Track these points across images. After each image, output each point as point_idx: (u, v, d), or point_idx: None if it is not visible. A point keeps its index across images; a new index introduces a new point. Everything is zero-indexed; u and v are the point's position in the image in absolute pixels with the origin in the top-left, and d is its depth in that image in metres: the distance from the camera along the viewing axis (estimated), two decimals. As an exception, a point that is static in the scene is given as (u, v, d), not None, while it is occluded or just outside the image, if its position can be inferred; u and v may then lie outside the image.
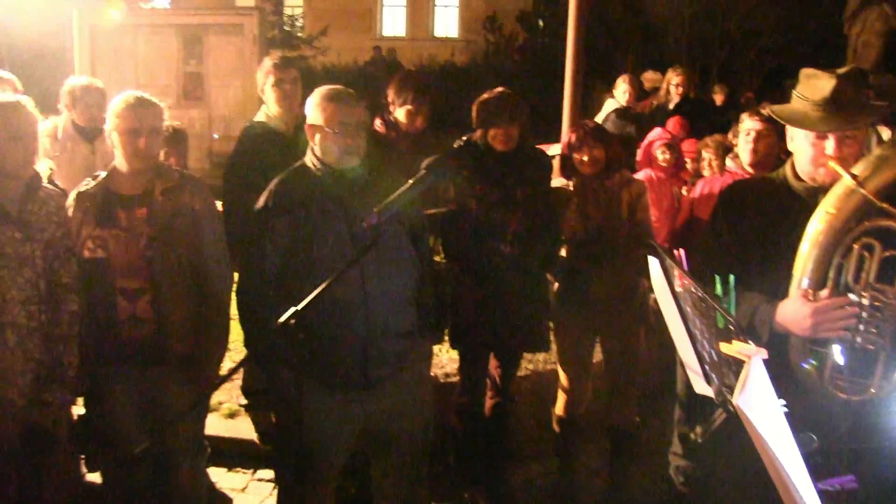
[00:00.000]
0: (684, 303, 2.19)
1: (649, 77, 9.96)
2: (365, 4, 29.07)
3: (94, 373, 3.47)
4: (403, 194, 2.87)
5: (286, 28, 23.20)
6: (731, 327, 1.89)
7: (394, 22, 30.11)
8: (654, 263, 2.34)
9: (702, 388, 2.33)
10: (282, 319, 2.44)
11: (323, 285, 2.54)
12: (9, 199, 3.16)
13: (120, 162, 3.50)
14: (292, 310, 2.45)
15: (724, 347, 1.88)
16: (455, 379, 5.15)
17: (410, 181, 2.90)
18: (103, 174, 3.53)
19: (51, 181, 3.69)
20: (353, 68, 21.71)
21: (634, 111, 8.28)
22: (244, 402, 5.19)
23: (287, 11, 24.96)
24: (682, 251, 2.40)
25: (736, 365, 1.85)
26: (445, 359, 6.07)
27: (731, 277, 2.43)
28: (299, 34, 23.89)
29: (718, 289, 2.39)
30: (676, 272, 2.19)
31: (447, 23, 29.84)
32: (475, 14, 26.61)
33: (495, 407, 4.70)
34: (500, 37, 23.69)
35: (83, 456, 4.12)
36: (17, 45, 10.37)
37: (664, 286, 2.25)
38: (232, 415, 5.32)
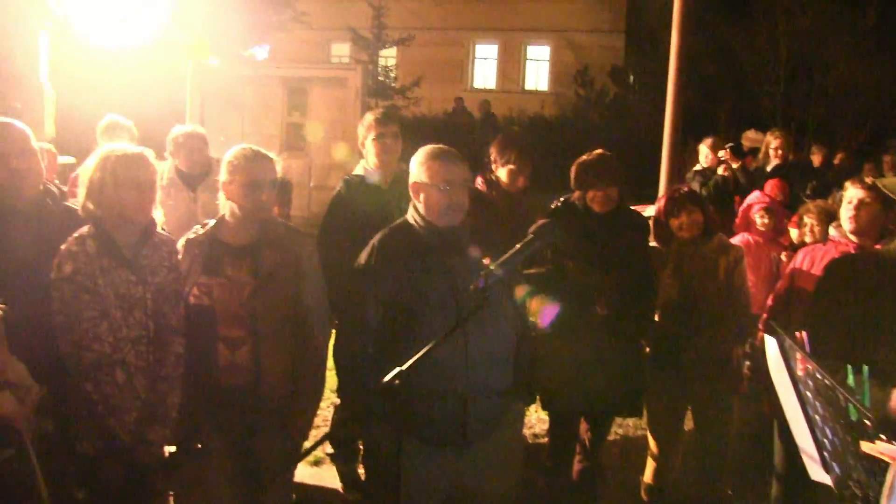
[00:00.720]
0: (804, 387, 2.10)
1: (751, 137, 9.81)
2: (457, 57, 29.57)
3: (191, 415, 3.52)
4: (511, 258, 2.86)
5: (381, 78, 23.77)
6: (866, 422, 1.80)
7: (485, 74, 30.50)
8: (771, 343, 2.25)
9: (819, 475, 2.22)
10: (386, 379, 2.44)
11: (428, 347, 2.54)
12: (126, 243, 3.30)
13: (228, 211, 3.59)
14: (397, 370, 2.46)
15: (866, 447, 1.77)
16: (544, 440, 5.07)
17: (518, 245, 2.89)
18: (212, 223, 3.63)
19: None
20: (443, 119, 22.03)
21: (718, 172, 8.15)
22: (330, 451, 5.21)
23: (381, 62, 25.62)
24: (804, 334, 2.31)
25: (868, 461, 1.75)
26: (534, 419, 5.98)
27: (865, 368, 2.31)
28: (393, 84, 24.45)
29: (850, 379, 2.28)
30: (798, 355, 2.11)
31: (538, 76, 30.05)
32: (566, 68, 26.77)
33: (583, 471, 4.61)
34: (591, 91, 23.74)
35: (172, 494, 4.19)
36: (137, 95, 10.92)
37: (781, 368, 2.17)
38: (317, 462, 5.34)
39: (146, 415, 3.30)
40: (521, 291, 3.60)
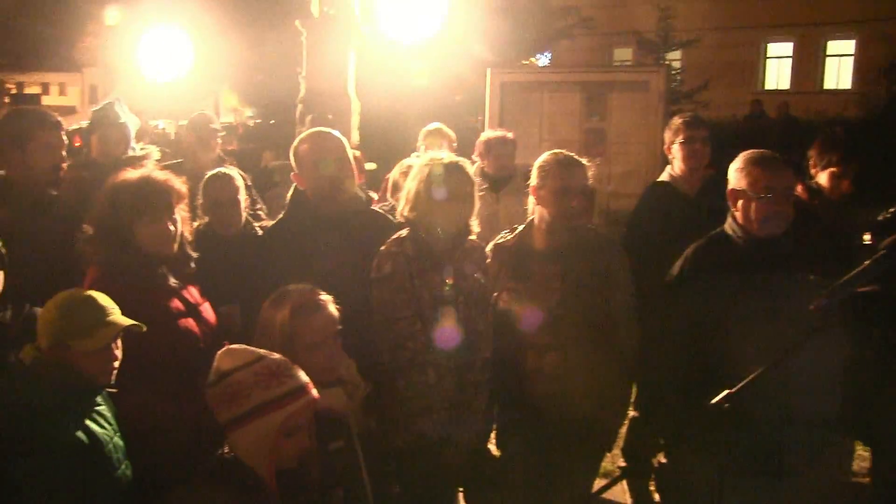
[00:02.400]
0: None
1: None
2: (748, 57, 28.03)
3: (492, 420, 3.56)
4: (857, 276, 2.56)
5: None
6: None
7: (778, 74, 28.60)
8: None
9: None
10: (715, 401, 2.29)
11: (761, 370, 2.35)
12: (440, 247, 3.41)
13: (538, 217, 3.59)
14: (725, 393, 2.30)
15: None
16: (866, 480, 4.55)
17: (866, 262, 2.59)
18: (520, 228, 3.65)
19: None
20: (731, 122, 20.92)
21: None
22: (622, 464, 5.07)
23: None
24: None
25: None
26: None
27: None
28: (678, 88, 23.67)
29: None
30: None
31: (839, 73, 27.62)
32: (874, 63, 24.27)
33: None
34: (904, 87, 21.34)
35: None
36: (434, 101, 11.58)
37: None
38: (605, 474, 5.22)
39: (454, 416, 3.37)
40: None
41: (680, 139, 4.51)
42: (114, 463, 2.54)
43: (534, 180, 3.57)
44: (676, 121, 4.64)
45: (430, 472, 3.38)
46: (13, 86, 35.68)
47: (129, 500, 2.59)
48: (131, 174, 3.23)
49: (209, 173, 4.17)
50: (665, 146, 4.68)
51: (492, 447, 3.94)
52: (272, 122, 15.72)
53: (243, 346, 2.43)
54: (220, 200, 4.04)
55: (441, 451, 3.36)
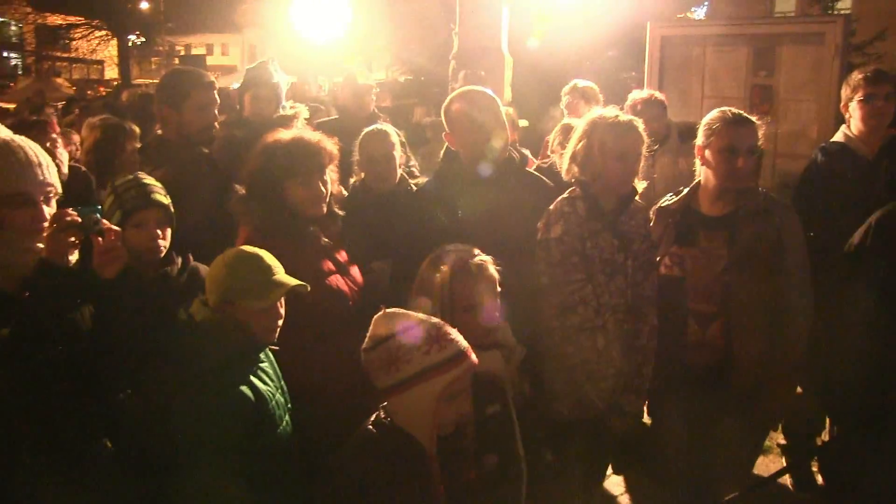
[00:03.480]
0: None
1: None
2: (934, 2, 25.62)
3: (653, 390, 3.42)
4: None
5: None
6: None
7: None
8: None
9: None
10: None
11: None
12: (608, 209, 3.26)
13: (703, 178, 3.39)
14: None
15: None
16: None
17: None
18: (685, 190, 3.46)
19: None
20: (909, 76, 19.24)
21: None
22: (783, 441, 4.80)
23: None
24: None
25: None
26: None
27: None
28: (849, 40, 21.97)
29: None
30: None
31: None
32: None
33: None
34: None
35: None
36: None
37: None
38: (764, 451, 4.96)
39: (621, 384, 3.26)
40: None
41: (859, 96, 4.15)
42: (276, 419, 2.58)
43: (699, 139, 3.36)
44: (856, 76, 4.27)
45: (592, 441, 3.29)
46: (182, 47, 37.65)
47: (288, 456, 2.64)
48: (284, 135, 3.26)
49: (365, 130, 4.19)
50: (841, 104, 4.32)
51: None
52: (422, 78, 15.84)
53: (402, 311, 2.39)
54: (375, 156, 4.05)
55: (606, 420, 3.26)
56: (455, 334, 2.33)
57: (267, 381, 2.61)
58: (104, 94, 24.24)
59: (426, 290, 2.71)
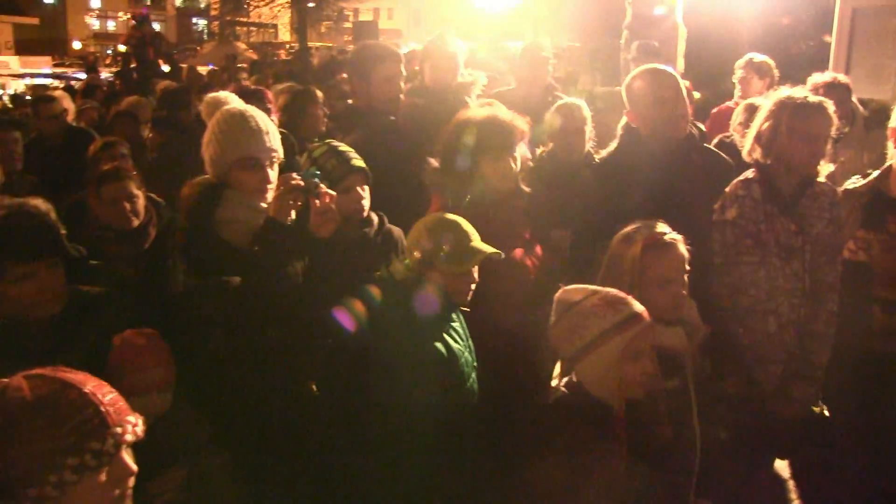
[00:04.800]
0: None
1: None
2: None
3: (831, 378, 3.36)
4: None
5: None
6: None
7: None
8: None
9: None
10: None
11: None
12: (787, 191, 3.24)
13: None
14: None
15: None
16: None
17: None
18: (875, 173, 3.38)
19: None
20: None
21: None
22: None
23: None
24: None
25: None
26: None
27: None
28: None
29: None
30: None
31: None
32: None
33: None
34: None
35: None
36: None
37: None
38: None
39: (792, 369, 3.24)
40: None
41: None
42: (464, 376, 2.79)
43: (893, 121, 3.26)
44: None
45: (760, 423, 3.31)
46: (350, 12, 38.75)
47: (472, 412, 2.85)
48: (477, 112, 3.43)
49: (559, 102, 4.32)
50: None
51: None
52: (582, 46, 15.67)
53: (577, 286, 2.56)
54: (567, 128, 4.17)
55: (774, 403, 3.27)
56: (629, 299, 2.47)
57: (458, 339, 2.82)
58: (284, 57, 25.49)
59: (616, 265, 2.82)
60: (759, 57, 6.12)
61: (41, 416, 1.58)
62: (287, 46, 36.61)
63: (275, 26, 52.09)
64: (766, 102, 3.37)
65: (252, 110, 2.91)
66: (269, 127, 2.89)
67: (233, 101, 3.09)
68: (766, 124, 3.23)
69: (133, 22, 13.62)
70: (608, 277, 2.76)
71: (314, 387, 2.98)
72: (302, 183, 2.68)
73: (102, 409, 1.62)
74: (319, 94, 5.73)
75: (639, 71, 3.69)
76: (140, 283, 3.48)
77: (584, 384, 2.46)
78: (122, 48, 16.71)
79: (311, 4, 28.55)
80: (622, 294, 2.48)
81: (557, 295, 2.57)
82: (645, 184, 3.41)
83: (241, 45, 31.93)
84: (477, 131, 3.34)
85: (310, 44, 27.72)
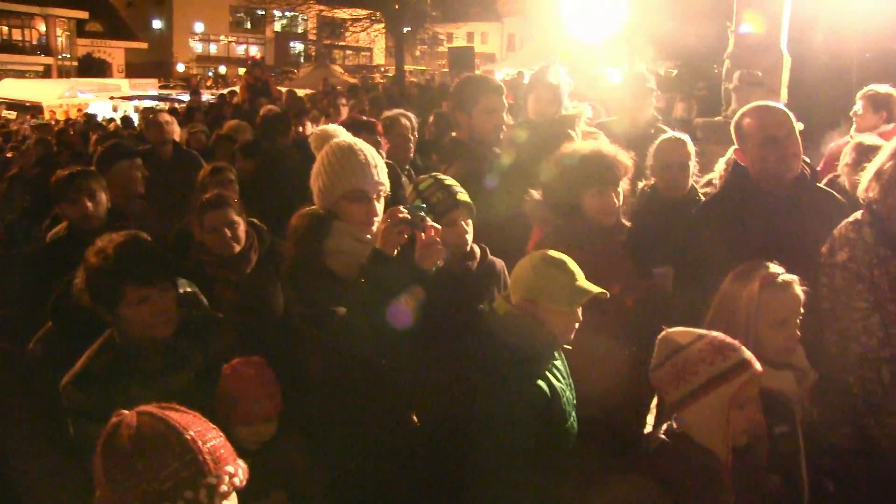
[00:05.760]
0: None
1: None
2: None
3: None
4: None
5: None
6: None
7: None
8: None
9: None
10: None
11: None
12: None
13: None
14: None
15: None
16: None
17: None
18: None
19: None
20: None
21: None
22: None
23: None
24: None
25: None
26: None
27: None
28: None
29: None
30: None
31: None
32: None
33: None
34: None
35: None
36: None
37: None
38: None
39: None
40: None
41: None
42: (565, 415, 2.76)
43: None
44: None
45: (871, 478, 3.16)
46: (444, 36, 39.32)
47: (568, 450, 2.81)
48: (582, 145, 3.43)
49: (663, 136, 4.27)
50: None
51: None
52: (679, 73, 15.41)
53: (682, 328, 2.51)
54: (670, 163, 4.13)
55: (889, 456, 3.10)
56: (737, 344, 2.42)
57: (560, 378, 2.80)
58: (379, 80, 26.02)
59: (729, 304, 2.77)
60: (881, 88, 5.88)
61: (143, 458, 1.66)
62: (382, 69, 37.33)
63: (370, 49, 53.30)
64: (890, 142, 3.23)
65: (360, 143, 2.98)
66: (377, 160, 2.96)
67: (341, 134, 3.15)
68: (890, 163, 3.09)
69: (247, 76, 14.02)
70: (719, 317, 2.72)
71: (415, 417, 3.01)
72: (409, 216, 2.72)
73: (201, 457, 1.67)
74: (413, 120, 5.80)
75: (749, 108, 3.59)
76: (242, 308, 3.60)
77: (687, 430, 2.41)
78: (235, 90, 17.36)
79: (406, 29, 29.08)
80: (730, 339, 2.43)
81: (661, 337, 2.53)
82: (754, 225, 3.33)
83: (337, 69, 32.74)
84: (581, 165, 3.34)
85: (407, 67, 28.27)
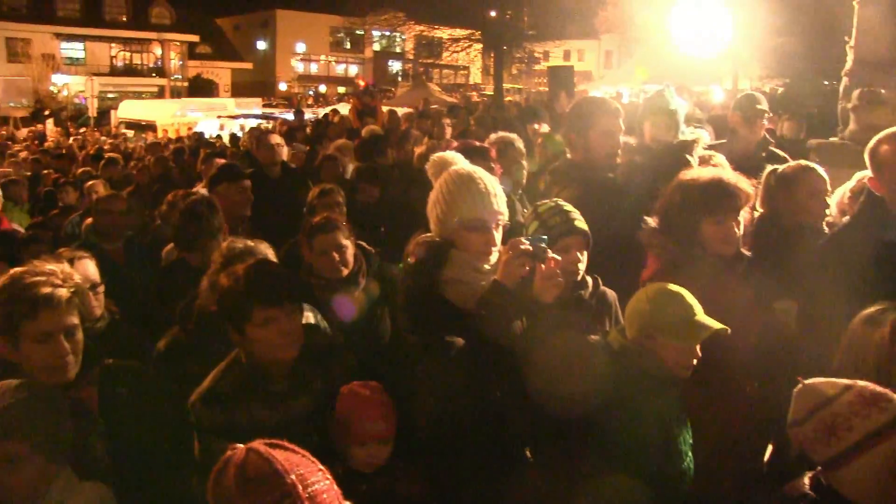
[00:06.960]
0: None
1: None
2: None
3: None
4: None
5: None
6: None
7: None
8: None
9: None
10: None
11: None
12: None
13: None
14: None
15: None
16: None
17: None
18: None
19: None
20: None
21: None
22: None
23: None
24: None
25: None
26: None
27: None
28: None
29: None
30: None
31: None
32: None
33: None
34: None
35: None
36: None
37: None
38: None
39: None
40: None
41: None
42: (682, 455, 2.68)
43: None
44: None
45: None
46: (540, 54, 39.18)
47: (686, 492, 2.72)
48: (702, 172, 3.33)
49: (802, 163, 4.06)
50: None
51: None
52: (786, 91, 14.87)
53: (822, 379, 2.28)
54: (816, 191, 3.90)
55: None
56: (890, 394, 2.17)
57: (676, 415, 2.72)
58: (476, 99, 26.10)
59: (859, 348, 2.61)
60: None
61: (244, 498, 1.73)
62: (479, 88, 37.43)
63: (467, 68, 53.63)
64: None
65: (480, 172, 2.96)
66: (497, 189, 2.93)
67: (459, 161, 3.15)
68: None
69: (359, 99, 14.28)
70: (847, 362, 2.55)
71: (528, 452, 2.96)
72: (531, 248, 2.69)
73: (299, 502, 1.71)
74: (521, 146, 5.75)
75: (887, 134, 3.40)
76: (351, 331, 3.64)
77: (838, 487, 2.17)
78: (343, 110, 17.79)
79: (504, 48, 29.14)
80: (880, 389, 2.18)
81: (801, 389, 2.28)
82: (890, 260, 3.15)
83: (435, 87, 33.05)
84: (701, 192, 3.24)
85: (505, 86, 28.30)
